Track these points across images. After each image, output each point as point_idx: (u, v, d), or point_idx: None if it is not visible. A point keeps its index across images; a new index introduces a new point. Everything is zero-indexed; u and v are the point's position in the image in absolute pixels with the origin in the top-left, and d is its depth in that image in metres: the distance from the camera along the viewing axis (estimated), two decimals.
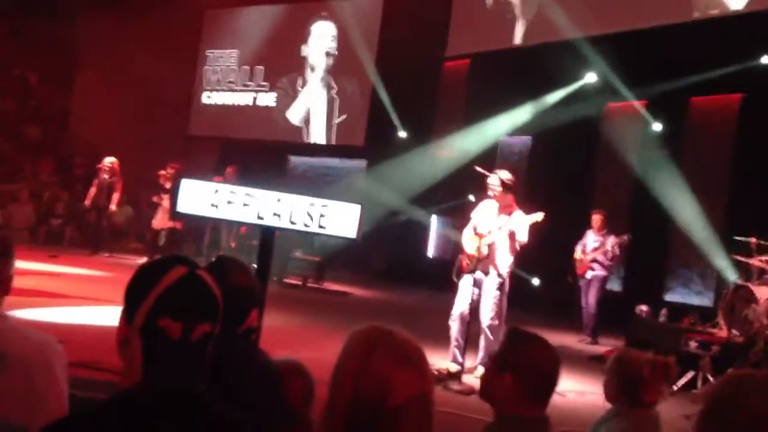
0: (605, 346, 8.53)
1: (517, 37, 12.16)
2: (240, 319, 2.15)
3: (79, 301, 7.24)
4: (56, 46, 17.06)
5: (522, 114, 11.96)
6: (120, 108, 15.15)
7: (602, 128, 11.60)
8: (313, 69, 15.27)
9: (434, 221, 13.74)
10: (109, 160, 11.68)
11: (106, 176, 11.62)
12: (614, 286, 10.55)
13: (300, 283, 11.31)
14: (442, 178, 12.45)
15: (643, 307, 8.52)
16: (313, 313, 8.76)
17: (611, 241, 9.15)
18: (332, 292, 11.36)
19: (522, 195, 6.81)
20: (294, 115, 15.44)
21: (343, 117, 14.69)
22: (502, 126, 12.31)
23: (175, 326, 1.39)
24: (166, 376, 1.40)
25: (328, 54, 15.06)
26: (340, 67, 14.84)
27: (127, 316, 1.43)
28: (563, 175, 11.59)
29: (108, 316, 6.14)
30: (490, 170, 6.52)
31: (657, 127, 11.00)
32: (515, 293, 6.61)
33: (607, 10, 10.75)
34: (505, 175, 6.25)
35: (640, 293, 9.68)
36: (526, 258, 7.91)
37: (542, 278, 10.95)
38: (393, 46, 13.68)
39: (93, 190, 11.72)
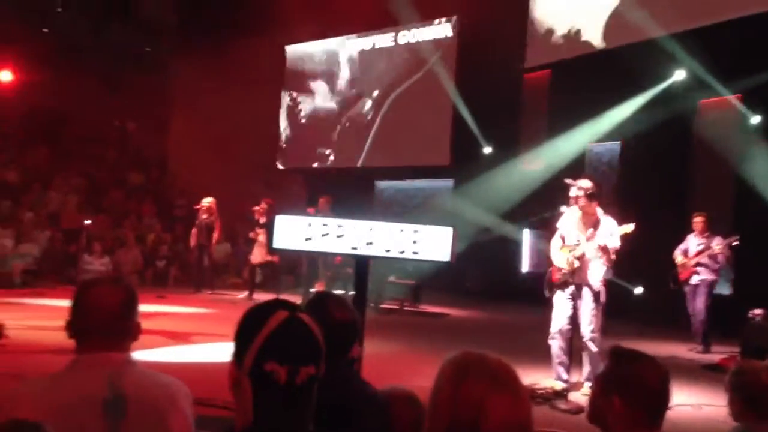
0: (719, 354, 8.13)
1: (598, 41, 11.92)
2: (343, 352, 2.20)
3: (189, 339, 7.51)
4: (151, 96, 17.99)
5: (609, 120, 11.67)
6: (213, 148, 15.77)
7: (696, 127, 11.16)
8: (389, 93, 15.43)
9: (526, 236, 13.54)
10: (206, 201, 12.11)
11: (204, 216, 12.05)
12: (723, 289, 10.05)
13: (397, 307, 11.35)
14: (532, 191, 12.27)
15: (757, 311, 8.06)
16: (413, 337, 8.76)
17: (718, 242, 8.74)
18: (429, 314, 11.35)
19: (614, 202, 6.64)
20: (375, 139, 15.63)
21: (420, 137, 14.75)
22: (589, 134, 12.05)
23: (280, 370, 1.44)
24: (276, 417, 1.45)
25: (403, 77, 15.20)
26: (418, 88, 14.94)
27: (236, 359, 1.50)
28: (657, 178, 11.21)
29: (216, 352, 6.35)
30: (579, 180, 6.38)
31: (755, 119, 10.49)
32: (615, 303, 6.42)
33: (691, 5, 10.39)
34: (586, 183, 6.08)
35: (751, 296, 9.18)
36: (624, 267, 7.67)
37: (642, 286, 10.58)
38: (471, 63, 13.68)
39: (194, 231, 12.17)
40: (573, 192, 6.09)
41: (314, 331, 1.50)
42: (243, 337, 1.50)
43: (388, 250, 4.43)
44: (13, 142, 17.08)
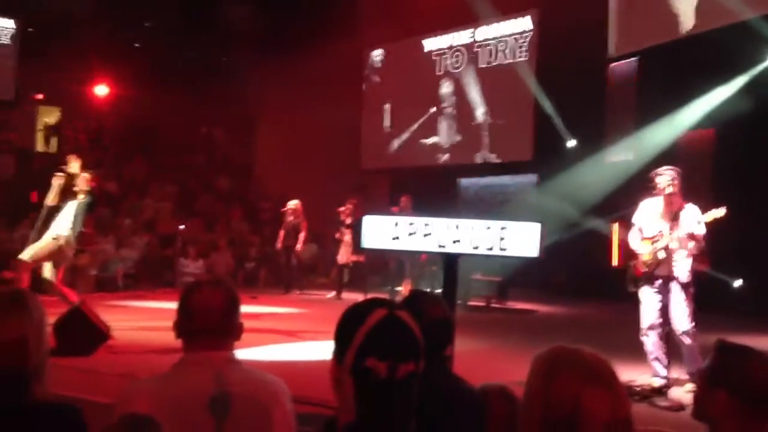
0: None
1: (688, 25, 11.48)
2: (439, 350, 2.22)
3: (282, 339, 7.69)
4: (236, 103, 18.55)
5: (700, 107, 11.22)
6: (297, 151, 16.13)
7: None
8: (470, 90, 15.34)
9: (615, 229, 13.18)
10: (292, 203, 12.37)
11: (291, 218, 12.30)
12: None
13: (484, 304, 11.29)
14: (619, 184, 11.94)
15: None
16: (501, 334, 8.70)
17: None
18: (517, 311, 11.22)
19: (708, 192, 6.39)
20: (457, 136, 15.57)
21: (502, 133, 14.59)
22: (680, 122, 11.62)
23: (380, 366, 1.47)
24: (377, 413, 1.48)
25: (484, 71, 15.09)
26: (499, 84, 14.79)
27: (337, 357, 1.54)
28: (756, 165, 10.69)
29: (309, 351, 6.49)
30: (663, 169, 6.14)
31: None
32: (713, 297, 6.17)
33: None
34: (671, 172, 5.86)
35: None
36: (722, 258, 7.37)
37: (743, 278, 10.12)
38: (552, 55, 13.43)
39: (282, 233, 12.45)
40: (660, 181, 5.89)
41: (413, 328, 1.53)
42: (343, 335, 1.54)
43: (475, 248, 4.43)
44: (111, 154, 17.95)
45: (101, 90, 18.35)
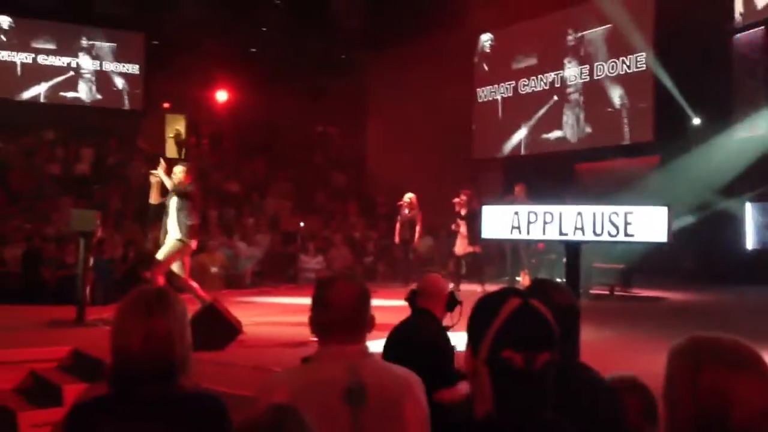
0: None
1: None
2: (567, 338, 2.18)
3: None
4: (349, 100, 18.90)
5: None
6: (410, 144, 16.21)
7: None
8: (584, 71, 14.87)
9: (749, 210, 12.43)
10: (408, 196, 12.44)
11: (406, 211, 12.38)
12: None
13: (607, 292, 10.95)
14: (752, 161, 11.25)
15: None
16: (627, 323, 8.41)
17: None
18: (643, 298, 10.81)
19: None
20: (573, 121, 15.14)
21: (620, 114, 14.04)
22: None
23: (517, 357, 1.46)
24: (515, 404, 1.48)
25: (597, 52, 14.58)
26: (614, 63, 14.25)
27: (471, 348, 1.55)
28: None
29: None
30: None
31: None
32: None
33: None
34: None
35: None
36: None
37: None
38: (671, 29, 12.79)
39: (398, 227, 12.56)
40: None
41: (547, 317, 1.51)
42: (477, 326, 1.54)
43: (598, 234, 4.31)
44: (233, 156, 18.75)
45: (222, 95, 19.20)
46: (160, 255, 7.44)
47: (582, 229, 4.29)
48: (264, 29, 17.80)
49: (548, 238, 4.54)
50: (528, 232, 4.52)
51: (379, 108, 18.72)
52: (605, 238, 4.26)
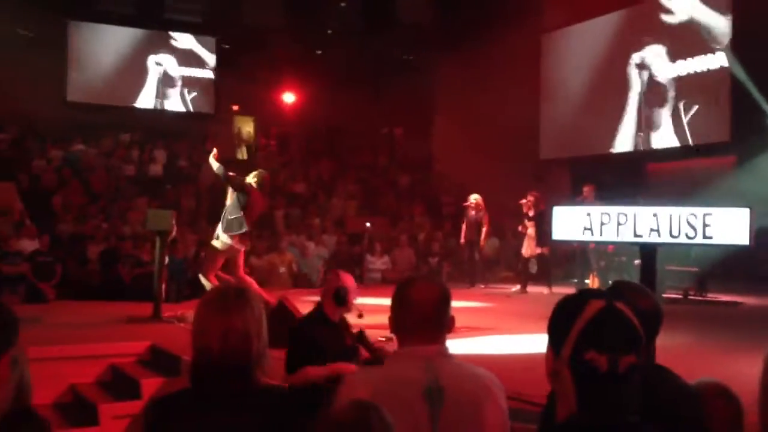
0: None
1: None
2: (649, 342, 2.15)
3: (473, 332, 7.71)
4: (414, 101, 18.93)
5: None
6: (475, 145, 16.12)
7: None
8: (655, 68, 14.49)
9: None
10: (474, 197, 12.38)
11: (473, 212, 12.33)
12: None
13: (680, 296, 10.65)
14: None
15: None
16: (703, 328, 8.13)
17: None
18: (720, 303, 10.46)
19: None
20: (644, 120, 14.77)
21: (694, 113, 13.61)
22: None
23: (600, 359, 1.44)
24: (600, 407, 1.46)
25: (669, 50, 14.18)
26: (687, 60, 13.83)
27: (553, 349, 1.53)
28: None
29: (501, 345, 6.47)
30: None
31: None
32: None
33: None
34: None
35: None
36: None
37: None
38: (749, 22, 12.33)
39: (464, 227, 12.52)
40: None
41: (632, 320, 1.49)
42: (559, 327, 1.52)
43: (675, 236, 4.21)
44: (299, 157, 19.03)
45: (289, 97, 19.51)
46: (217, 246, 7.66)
47: (658, 230, 4.19)
48: (330, 31, 18.00)
49: (622, 240, 4.46)
50: (601, 234, 4.45)
51: (445, 108, 18.68)
52: (683, 240, 4.16)
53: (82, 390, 5.96)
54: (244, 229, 7.64)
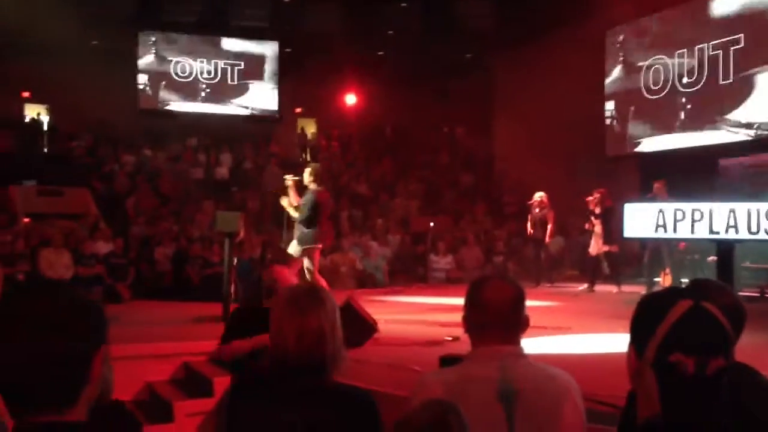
0: None
1: None
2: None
3: (542, 332, 7.59)
4: (475, 100, 18.83)
5: None
6: (538, 142, 15.91)
7: None
8: (726, 60, 13.98)
9: None
10: (538, 195, 12.23)
11: (537, 210, 12.18)
12: None
13: (757, 294, 10.27)
14: None
15: None
16: None
17: None
18: None
19: None
20: (716, 113, 14.29)
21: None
22: None
23: (687, 361, 1.40)
24: (686, 410, 1.41)
25: (744, 39, 13.66)
26: (756, 49, 13.31)
27: (636, 349, 1.50)
28: None
29: (571, 344, 6.34)
30: None
31: None
32: None
33: None
34: None
35: None
36: None
37: None
38: None
39: (529, 225, 12.38)
40: None
41: (721, 321, 1.44)
42: (643, 327, 1.49)
43: (754, 233, 4.07)
44: (361, 157, 19.15)
45: (350, 98, 19.66)
46: (293, 251, 7.85)
47: (735, 227, 4.06)
48: (390, 32, 18.06)
49: (697, 237, 4.34)
50: (675, 231, 4.34)
51: (506, 107, 18.50)
52: (762, 236, 4.01)
53: (158, 388, 6.14)
54: (318, 245, 7.93)
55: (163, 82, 18.52)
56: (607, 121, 16.63)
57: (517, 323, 2.15)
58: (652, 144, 15.57)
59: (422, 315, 8.42)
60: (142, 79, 18.31)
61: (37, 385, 1.28)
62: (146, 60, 18.35)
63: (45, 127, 17.98)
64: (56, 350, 1.28)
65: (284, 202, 8.29)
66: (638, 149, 15.95)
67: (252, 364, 4.19)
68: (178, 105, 18.52)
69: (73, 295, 1.36)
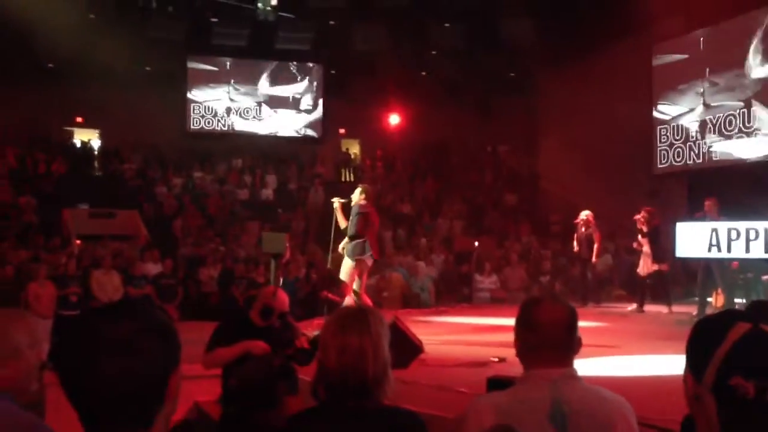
0: None
1: None
2: None
3: (590, 353, 7.43)
4: (520, 119, 18.75)
5: None
6: (584, 161, 15.73)
7: None
8: None
9: None
10: (584, 214, 12.07)
11: (583, 229, 12.02)
12: None
13: None
14: None
15: None
16: None
17: None
18: None
19: None
20: (762, 127, 13.95)
21: None
22: None
23: (747, 385, 1.37)
24: None
25: None
26: None
27: (693, 374, 1.47)
28: None
29: (628, 367, 6.19)
30: None
31: None
32: None
33: None
34: None
35: None
36: None
37: None
38: None
39: (575, 244, 12.22)
40: None
41: None
42: (700, 350, 1.46)
43: None
44: (405, 177, 19.20)
45: (394, 118, 19.78)
46: (342, 275, 7.83)
47: None
48: (434, 52, 18.14)
49: (754, 257, 4.23)
50: (729, 251, 4.24)
51: (551, 125, 18.38)
52: None
53: (205, 407, 6.20)
54: (368, 253, 7.88)
55: (211, 105, 18.93)
56: (656, 138, 16.34)
57: (571, 345, 2.12)
58: (700, 159, 15.21)
59: (468, 335, 8.35)
60: (191, 101, 18.76)
61: (117, 405, 1.30)
62: (195, 83, 18.79)
63: (96, 151, 18.51)
64: (136, 371, 1.30)
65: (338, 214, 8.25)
66: (685, 165, 15.61)
67: (238, 370, 4.24)
68: (224, 126, 18.89)
69: (150, 315, 1.39)
